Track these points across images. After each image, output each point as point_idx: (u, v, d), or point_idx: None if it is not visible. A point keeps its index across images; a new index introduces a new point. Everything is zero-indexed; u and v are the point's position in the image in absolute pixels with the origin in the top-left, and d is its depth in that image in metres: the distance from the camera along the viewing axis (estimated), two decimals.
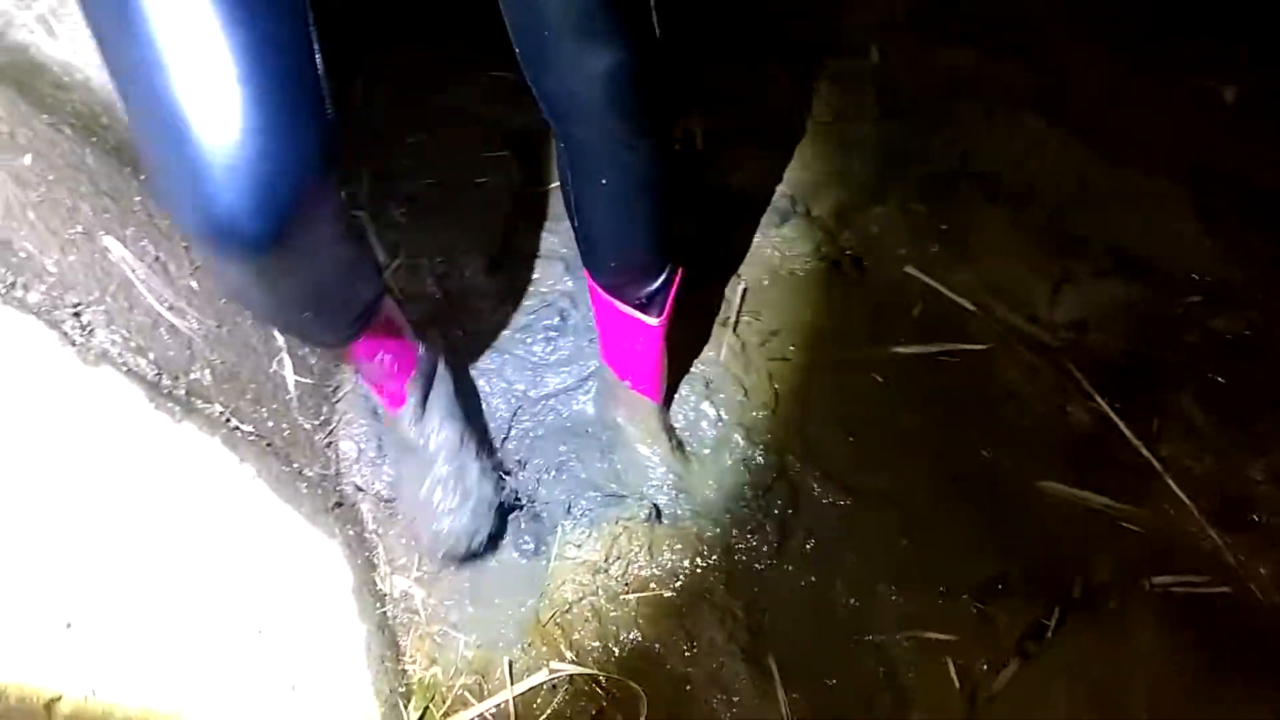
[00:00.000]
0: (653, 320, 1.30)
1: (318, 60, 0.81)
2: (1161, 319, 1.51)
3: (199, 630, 1.03)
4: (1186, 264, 1.58)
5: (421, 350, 1.37)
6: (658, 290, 1.27)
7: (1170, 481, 1.36)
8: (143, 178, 1.37)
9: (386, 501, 1.49)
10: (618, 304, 1.29)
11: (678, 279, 1.29)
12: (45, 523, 0.91)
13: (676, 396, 1.52)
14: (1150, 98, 1.84)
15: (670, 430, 1.50)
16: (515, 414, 1.58)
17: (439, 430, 1.38)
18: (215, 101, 0.73)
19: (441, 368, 1.43)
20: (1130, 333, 1.51)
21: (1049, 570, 1.33)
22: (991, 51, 1.94)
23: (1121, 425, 1.41)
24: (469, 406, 1.49)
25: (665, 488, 1.44)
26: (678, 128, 1.86)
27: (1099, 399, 1.44)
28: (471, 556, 1.41)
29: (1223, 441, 1.38)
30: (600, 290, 1.30)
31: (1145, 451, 1.38)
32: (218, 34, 0.73)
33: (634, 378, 1.43)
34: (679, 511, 1.42)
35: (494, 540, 1.44)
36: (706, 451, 1.50)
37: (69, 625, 0.86)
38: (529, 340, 1.62)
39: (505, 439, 1.55)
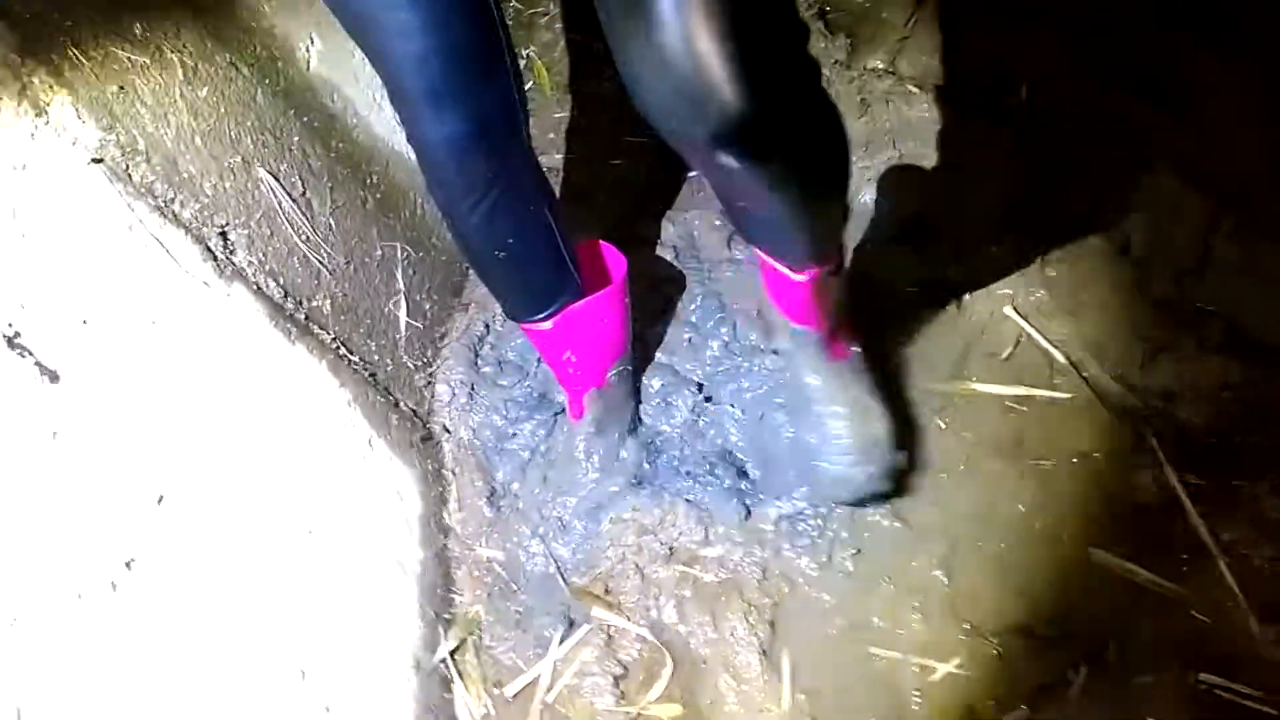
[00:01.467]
0: (799, 278, 1.21)
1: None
2: (1259, 404, 1.47)
3: (261, 534, 1.16)
4: None
5: (613, 373, 1.47)
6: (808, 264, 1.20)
7: (1224, 566, 1.33)
8: (304, 118, 1.53)
9: (468, 445, 1.61)
10: (761, 254, 1.24)
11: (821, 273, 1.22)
12: (154, 408, 1.06)
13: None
14: None
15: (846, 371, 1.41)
16: None
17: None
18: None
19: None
20: (1222, 412, 1.47)
21: (1083, 630, 1.34)
22: (1147, 105, 1.89)
23: (1186, 501, 1.38)
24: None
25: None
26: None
27: (1169, 470, 1.41)
28: None
29: None
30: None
31: (1205, 532, 1.36)
32: None
33: (794, 314, 1.34)
34: (746, 502, 1.49)
35: None
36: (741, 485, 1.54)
37: (160, 499, 1.01)
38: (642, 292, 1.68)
39: None
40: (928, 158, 1.87)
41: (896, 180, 1.85)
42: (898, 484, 1.46)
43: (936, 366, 1.61)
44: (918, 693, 1.31)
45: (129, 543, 0.96)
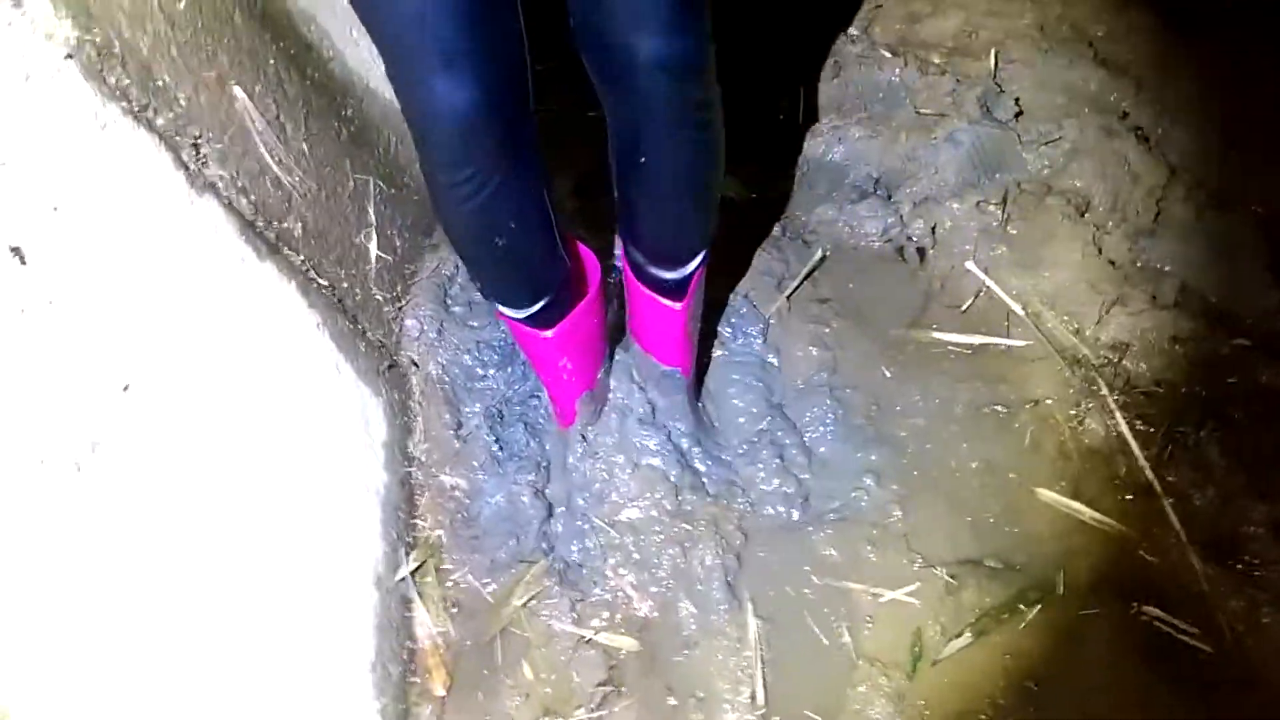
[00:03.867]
0: (675, 305, 1.29)
1: None
2: (1205, 357, 1.52)
3: (227, 440, 1.17)
4: (1247, 310, 1.57)
5: (600, 374, 1.48)
6: (684, 278, 1.27)
7: (1167, 505, 1.38)
8: (281, 44, 1.53)
9: (435, 380, 1.62)
10: (642, 287, 1.30)
11: (702, 268, 1.28)
12: (123, 300, 1.06)
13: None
14: (1262, 146, 1.82)
15: (695, 403, 1.53)
16: None
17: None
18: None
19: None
20: (1170, 364, 1.52)
21: (1031, 565, 1.38)
22: (1112, 75, 1.93)
23: (1134, 444, 1.43)
24: None
25: (694, 454, 1.52)
26: (776, 100, 1.93)
27: (1119, 415, 1.46)
28: None
29: (1230, 482, 1.39)
30: (629, 269, 1.32)
31: (1150, 473, 1.40)
32: None
33: (658, 352, 1.44)
34: (707, 468, 1.51)
35: None
36: (740, 419, 1.58)
37: (126, 388, 1.01)
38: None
39: None
40: (896, 119, 1.90)
41: (864, 139, 1.88)
42: (851, 428, 1.51)
43: (898, 315, 1.65)
44: (869, 618, 1.35)
45: (94, 426, 0.96)
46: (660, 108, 1.06)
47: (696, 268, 1.26)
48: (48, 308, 0.95)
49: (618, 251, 1.42)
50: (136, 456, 1.01)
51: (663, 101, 1.04)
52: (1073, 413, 1.50)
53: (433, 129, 1.04)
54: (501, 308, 1.29)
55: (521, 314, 1.27)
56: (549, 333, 1.29)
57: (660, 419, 1.49)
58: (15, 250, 0.94)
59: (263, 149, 1.42)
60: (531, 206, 1.17)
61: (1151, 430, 1.46)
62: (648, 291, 1.31)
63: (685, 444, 1.49)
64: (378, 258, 1.65)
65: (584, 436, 1.49)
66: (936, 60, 1.99)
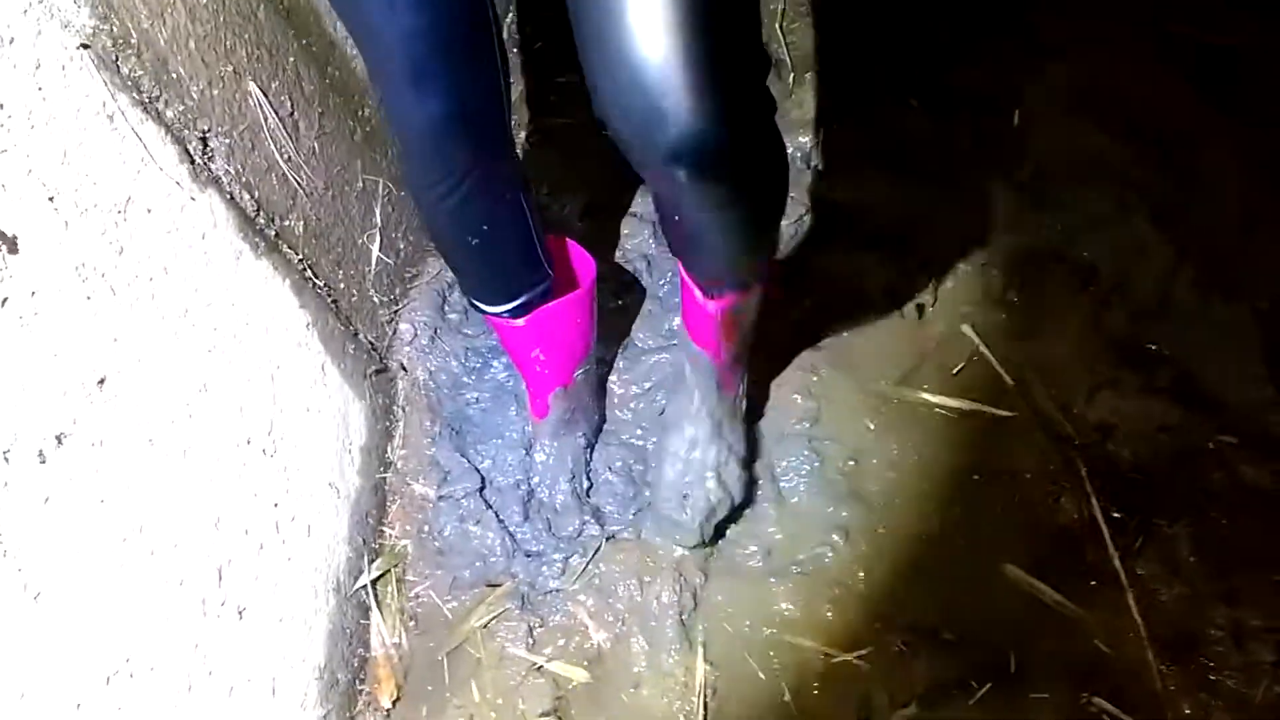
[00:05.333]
0: (710, 308, 1.23)
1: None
2: (1190, 449, 1.51)
3: (199, 436, 1.18)
4: (1238, 404, 1.56)
5: (579, 373, 1.48)
6: (725, 288, 1.21)
7: (1131, 597, 1.37)
8: (303, 40, 1.54)
9: (422, 386, 1.64)
10: (683, 272, 1.24)
11: (745, 296, 1.22)
12: (109, 293, 1.08)
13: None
14: (1277, 236, 1.80)
15: (730, 410, 1.45)
16: None
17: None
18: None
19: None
20: (1154, 452, 1.51)
21: (986, 640, 1.38)
22: (1135, 147, 1.92)
23: (1105, 530, 1.42)
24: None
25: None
26: (794, 139, 1.93)
27: (1094, 500, 1.45)
28: None
29: (1198, 580, 1.38)
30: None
31: (1117, 562, 1.40)
32: None
33: (695, 336, 1.36)
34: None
35: None
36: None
37: (102, 381, 1.03)
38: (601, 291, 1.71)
39: None
40: (912, 171, 1.89)
41: (878, 188, 1.88)
42: (824, 482, 1.50)
43: (889, 371, 1.64)
44: (819, 677, 1.35)
45: (64, 416, 0.97)
46: (683, 197, 0.97)
47: (741, 291, 1.21)
48: (29, 299, 0.96)
49: None
50: (104, 449, 1.02)
51: (683, 190, 0.94)
52: (1049, 490, 1.50)
53: (408, 135, 1.10)
54: (476, 304, 1.35)
55: (495, 310, 1.33)
56: (520, 321, 1.33)
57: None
58: (6, 239, 0.96)
59: (272, 146, 1.44)
60: (505, 210, 1.22)
61: (1125, 518, 1.45)
62: (689, 281, 1.24)
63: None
64: (379, 260, 1.66)
65: (550, 448, 1.52)
66: (959, 114, 1.98)
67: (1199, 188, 1.89)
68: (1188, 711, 1.31)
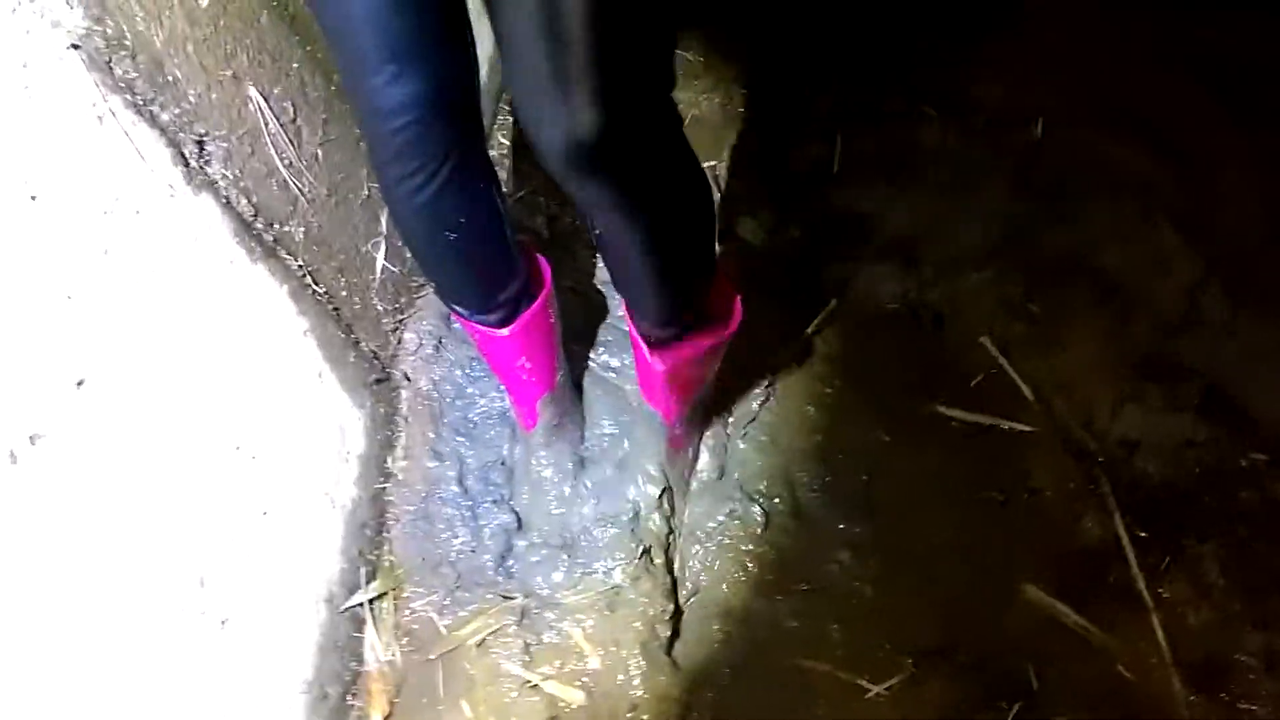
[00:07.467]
0: (658, 366, 1.26)
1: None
2: (1218, 466, 1.45)
3: (191, 433, 1.16)
4: (1269, 422, 1.50)
5: (560, 377, 1.45)
6: (665, 339, 1.24)
7: (1156, 622, 1.31)
8: (308, 47, 1.53)
9: (425, 396, 1.61)
10: (631, 327, 1.27)
11: (691, 343, 1.24)
12: (93, 293, 1.06)
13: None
14: None
15: (679, 461, 1.48)
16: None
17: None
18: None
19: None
20: (1180, 470, 1.45)
21: (1002, 664, 1.32)
22: (1157, 159, 1.87)
23: (1130, 550, 1.36)
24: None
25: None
26: (810, 147, 1.90)
27: (1118, 518, 1.39)
28: None
29: (1227, 604, 1.32)
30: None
31: (1142, 584, 1.33)
32: None
33: (646, 391, 1.41)
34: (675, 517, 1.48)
35: None
36: (704, 475, 1.54)
37: (80, 382, 1.01)
38: (615, 300, 1.68)
39: None
40: (928, 180, 1.85)
41: (893, 197, 1.84)
42: (839, 496, 1.46)
43: (904, 383, 1.60)
44: (826, 702, 1.30)
45: (38, 417, 0.95)
46: (585, 202, 1.01)
47: (682, 336, 1.23)
48: (10, 294, 0.95)
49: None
50: (79, 453, 1.00)
51: (574, 190, 0.98)
52: (1071, 507, 1.44)
53: (382, 122, 1.07)
54: (456, 309, 1.30)
55: (475, 316, 1.30)
56: (505, 330, 1.29)
57: (633, 459, 1.46)
58: None
59: (272, 151, 1.42)
60: (481, 202, 1.20)
61: (1151, 537, 1.39)
62: (636, 337, 1.28)
63: (652, 490, 1.46)
64: (384, 268, 1.64)
65: (544, 458, 1.49)
66: (979, 124, 1.94)
67: (1222, 199, 1.84)
68: None
